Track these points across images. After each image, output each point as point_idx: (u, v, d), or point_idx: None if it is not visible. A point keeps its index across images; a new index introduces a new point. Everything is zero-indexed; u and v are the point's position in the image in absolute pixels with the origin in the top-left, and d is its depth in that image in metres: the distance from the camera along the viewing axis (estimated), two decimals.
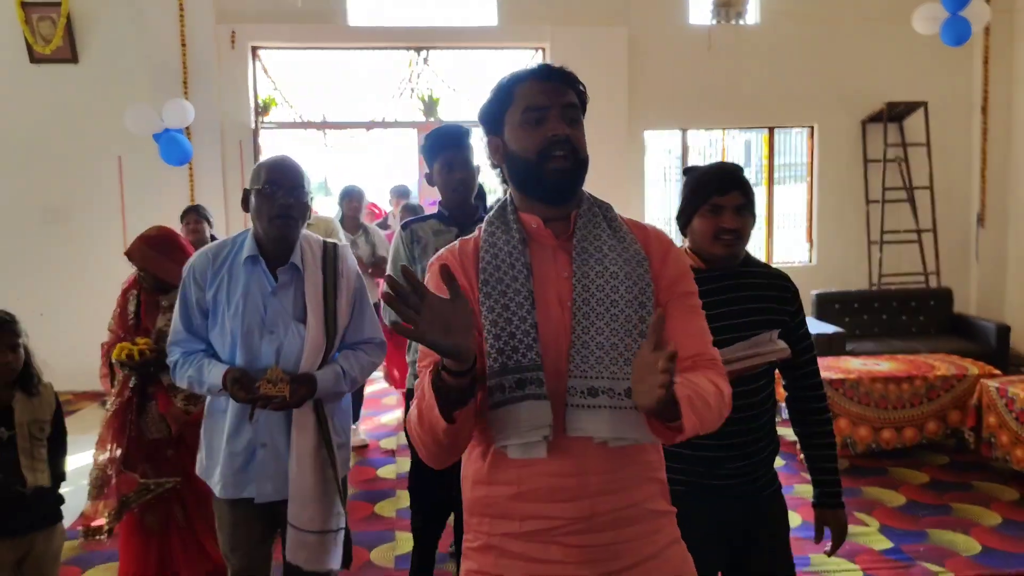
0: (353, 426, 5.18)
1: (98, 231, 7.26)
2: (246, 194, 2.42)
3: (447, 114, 7.84)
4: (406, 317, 1.29)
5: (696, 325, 1.60)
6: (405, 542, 3.89)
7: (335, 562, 2.47)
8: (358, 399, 5.49)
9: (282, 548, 2.45)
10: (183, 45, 7.15)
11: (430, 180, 3.07)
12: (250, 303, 2.38)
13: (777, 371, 2.24)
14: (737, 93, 7.81)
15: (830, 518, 2.26)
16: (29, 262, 7.26)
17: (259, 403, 2.30)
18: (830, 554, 2.32)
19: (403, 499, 4.55)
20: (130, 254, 3.12)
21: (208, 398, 2.50)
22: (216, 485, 2.45)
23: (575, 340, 1.50)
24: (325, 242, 2.52)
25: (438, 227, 3.06)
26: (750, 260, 2.23)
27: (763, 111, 7.97)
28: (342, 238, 4.88)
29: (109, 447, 3.07)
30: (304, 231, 2.49)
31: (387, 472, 5.07)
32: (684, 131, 8.06)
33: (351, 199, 5.70)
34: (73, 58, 7.22)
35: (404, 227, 3.13)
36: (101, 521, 3.05)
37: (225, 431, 2.42)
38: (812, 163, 8.14)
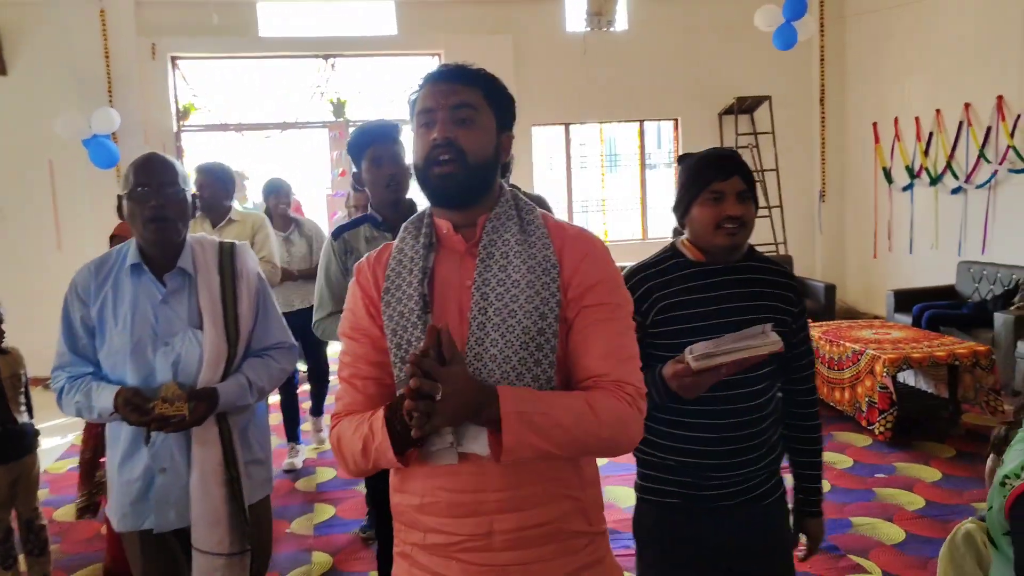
0: (297, 445, 5.14)
1: (33, 229, 7.83)
2: (119, 200, 2.23)
3: (354, 114, 8.67)
4: (426, 412, 1.26)
5: (602, 342, 1.42)
6: (322, 511, 4.24)
7: None
8: (293, 414, 5.18)
9: None
10: (107, 57, 7.77)
11: (359, 180, 2.80)
12: (139, 314, 2.18)
13: None
14: (610, 91, 8.85)
15: (810, 526, 2.16)
16: None
17: (155, 425, 2.08)
18: (804, 559, 2.20)
19: (321, 474, 4.79)
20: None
21: (106, 425, 2.30)
22: (114, 517, 2.27)
23: (468, 351, 1.40)
24: (221, 242, 2.33)
25: (370, 234, 2.80)
26: (753, 254, 2.05)
27: (634, 106, 9.05)
28: (271, 235, 4.59)
29: (87, 440, 3.15)
30: (198, 234, 2.35)
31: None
32: (567, 125, 9.08)
33: (278, 194, 5.17)
34: (2, 70, 7.78)
35: (335, 235, 2.84)
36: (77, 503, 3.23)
37: (118, 458, 2.22)
38: (677, 150, 9.28)
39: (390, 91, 8.78)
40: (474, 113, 1.46)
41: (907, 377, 5.55)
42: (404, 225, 1.57)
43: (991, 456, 1.74)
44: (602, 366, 1.41)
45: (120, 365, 2.16)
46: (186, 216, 2.23)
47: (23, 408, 3.42)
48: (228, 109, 8.57)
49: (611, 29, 8.54)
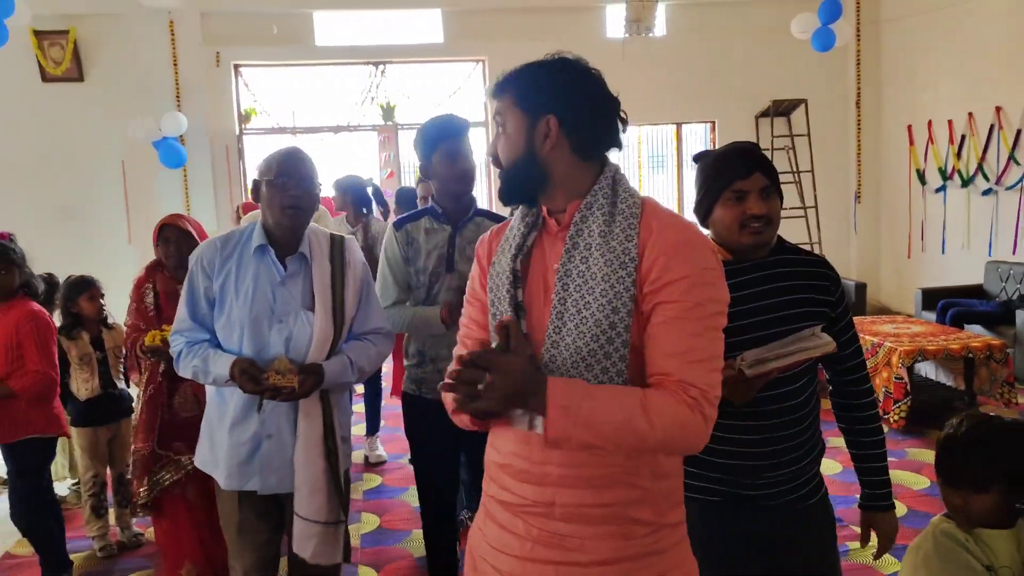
0: (372, 437, 5.21)
1: (106, 224, 8.43)
2: (256, 184, 2.40)
3: (402, 118, 9.12)
4: (470, 396, 1.35)
5: (672, 340, 1.41)
6: (368, 521, 4.19)
7: (339, 555, 2.44)
8: (375, 411, 5.25)
9: (288, 542, 2.43)
10: (175, 65, 8.34)
11: (426, 172, 2.83)
12: (259, 292, 2.35)
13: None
14: (649, 95, 9.15)
15: (879, 521, 2.09)
16: (45, 254, 8.34)
17: (267, 394, 2.26)
18: (876, 557, 2.16)
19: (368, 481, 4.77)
20: (174, 223, 3.23)
21: (210, 389, 2.50)
22: (220, 476, 2.43)
23: (547, 339, 1.46)
24: (332, 234, 2.51)
25: (430, 225, 2.84)
26: (783, 247, 1.99)
27: (671, 109, 9.35)
28: (331, 226, 4.65)
29: (144, 432, 3.18)
30: (312, 224, 2.50)
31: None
32: None
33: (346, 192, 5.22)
34: (80, 77, 8.37)
35: (397, 226, 2.91)
36: (139, 499, 3.21)
37: (229, 422, 2.38)
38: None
39: (436, 95, 9.21)
40: (503, 120, 1.54)
41: (927, 370, 5.80)
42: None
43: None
44: (667, 365, 1.40)
45: (236, 336, 2.33)
46: (315, 208, 2.42)
47: (121, 376, 3.91)
48: (285, 113, 9.08)
49: (650, 35, 8.77)
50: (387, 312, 2.86)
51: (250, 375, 2.22)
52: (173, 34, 8.31)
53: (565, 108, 1.51)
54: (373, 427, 5.22)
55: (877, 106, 9.32)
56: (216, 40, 8.56)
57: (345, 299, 2.41)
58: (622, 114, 1.58)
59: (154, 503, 3.19)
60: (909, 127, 8.75)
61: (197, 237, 3.21)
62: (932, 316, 7.02)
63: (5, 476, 4.76)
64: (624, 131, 1.59)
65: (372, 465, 5.08)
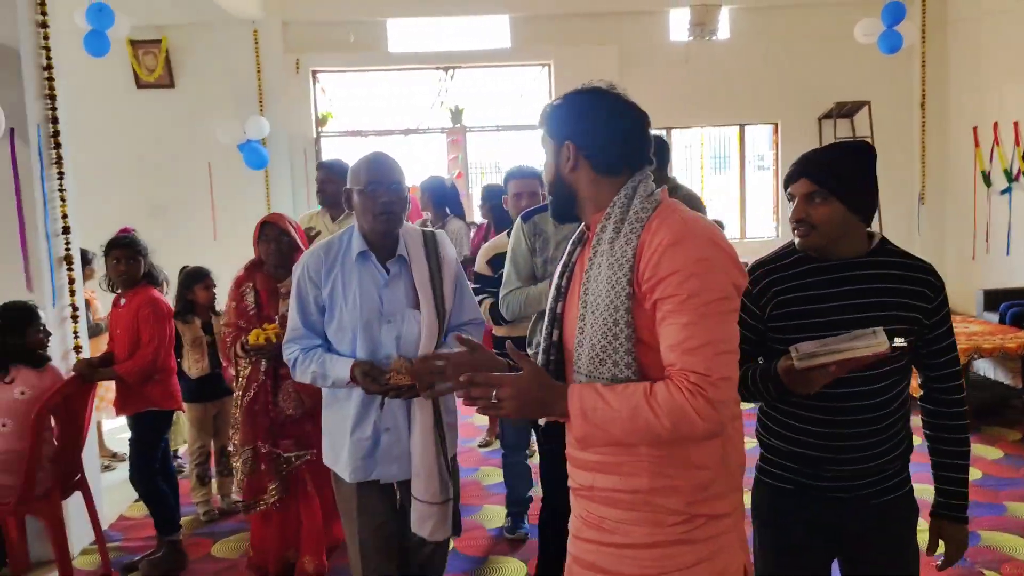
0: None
1: (192, 222, 8.95)
2: (348, 193, 2.50)
3: (470, 121, 9.46)
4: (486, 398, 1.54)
5: (671, 333, 1.49)
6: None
7: (450, 530, 2.59)
8: None
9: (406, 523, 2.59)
10: (258, 72, 8.82)
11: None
12: (366, 296, 2.46)
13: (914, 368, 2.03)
14: (712, 96, 9.32)
15: (951, 532, 2.04)
16: None
17: (391, 393, 2.39)
18: (941, 568, 2.09)
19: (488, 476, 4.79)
20: (276, 222, 3.35)
21: (325, 392, 2.62)
22: (345, 471, 2.55)
23: (575, 343, 1.61)
24: (423, 231, 2.60)
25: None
26: (883, 248, 1.98)
27: (734, 111, 9.49)
28: None
29: (250, 432, 3.31)
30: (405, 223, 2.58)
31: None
32: (668, 130, 9.61)
33: (428, 193, 5.62)
34: (171, 84, 8.95)
35: (525, 218, 3.04)
36: (268, 496, 3.36)
37: (351, 420, 2.51)
38: (777, 153, 9.67)
39: (503, 99, 9.53)
40: (544, 150, 1.73)
41: (986, 369, 5.88)
42: None
43: None
44: (670, 356, 1.49)
45: (349, 339, 2.46)
46: (406, 210, 2.52)
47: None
48: (359, 117, 9.51)
49: (713, 38, 8.93)
50: (508, 298, 3.05)
51: (372, 376, 2.36)
52: (257, 42, 8.79)
53: (581, 134, 1.66)
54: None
55: (943, 108, 9.30)
56: (296, 48, 9.03)
57: (444, 294, 2.52)
58: (648, 130, 1.71)
59: (275, 501, 3.33)
60: (975, 129, 8.73)
61: (296, 237, 3.37)
62: (994, 317, 7.05)
63: (116, 450, 5.27)
64: (651, 146, 1.72)
65: None
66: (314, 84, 9.29)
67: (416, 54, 9.28)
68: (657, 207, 1.60)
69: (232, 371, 3.49)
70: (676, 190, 3.56)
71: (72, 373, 3.65)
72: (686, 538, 1.56)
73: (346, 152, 9.57)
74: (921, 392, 2.07)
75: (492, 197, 5.24)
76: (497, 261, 3.55)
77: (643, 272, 1.52)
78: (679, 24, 9.22)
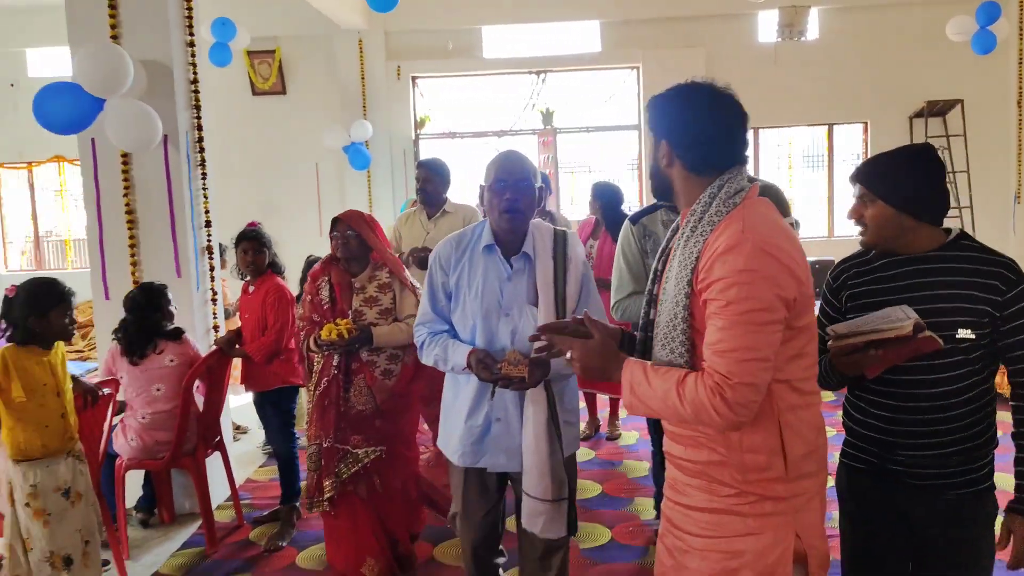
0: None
1: (300, 219, 9.59)
2: (482, 190, 2.57)
3: (560, 122, 9.83)
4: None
5: (710, 332, 1.65)
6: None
7: (564, 529, 2.55)
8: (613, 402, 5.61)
9: (516, 517, 2.64)
10: (362, 79, 9.41)
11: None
12: (488, 288, 2.52)
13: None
14: (800, 97, 9.42)
15: (1017, 524, 2.02)
16: None
17: (500, 383, 2.42)
18: (1010, 567, 2.07)
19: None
20: (346, 219, 3.36)
21: (448, 376, 2.70)
22: (454, 455, 2.64)
23: (656, 318, 1.82)
24: (555, 230, 2.62)
25: (667, 217, 3.03)
26: (955, 244, 2.05)
27: (823, 110, 9.56)
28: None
29: (320, 426, 3.29)
30: (534, 220, 2.60)
31: None
32: (756, 130, 9.75)
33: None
34: (283, 90, 9.65)
35: (634, 221, 3.09)
36: (324, 492, 3.29)
37: (466, 406, 2.58)
38: (867, 153, 9.68)
39: (592, 101, 9.86)
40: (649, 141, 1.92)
41: None
42: None
43: None
44: (705, 352, 1.66)
45: (469, 327, 2.55)
46: (533, 207, 2.56)
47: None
48: (455, 119, 10.00)
49: (802, 39, 9.04)
50: (622, 304, 3.09)
51: (485, 365, 2.43)
52: (362, 51, 9.37)
53: (675, 135, 1.80)
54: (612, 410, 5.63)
55: None
56: (397, 55, 9.58)
57: (567, 294, 2.53)
58: (742, 130, 1.82)
59: (329, 499, 3.28)
60: None
61: (369, 234, 3.36)
62: None
63: (240, 423, 5.84)
64: (746, 145, 1.84)
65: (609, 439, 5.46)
66: (413, 89, 9.83)
67: (509, 59, 9.71)
68: (734, 209, 1.72)
69: (303, 368, 3.51)
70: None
71: (214, 347, 4.19)
72: (736, 510, 1.73)
73: (443, 152, 10.09)
74: (1011, 388, 2.06)
75: (603, 195, 5.28)
76: None
77: (700, 272, 1.68)
78: (767, 25, 9.36)
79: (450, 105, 10.02)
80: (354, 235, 3.33)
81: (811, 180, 10.30)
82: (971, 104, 9.12)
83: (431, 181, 4.60)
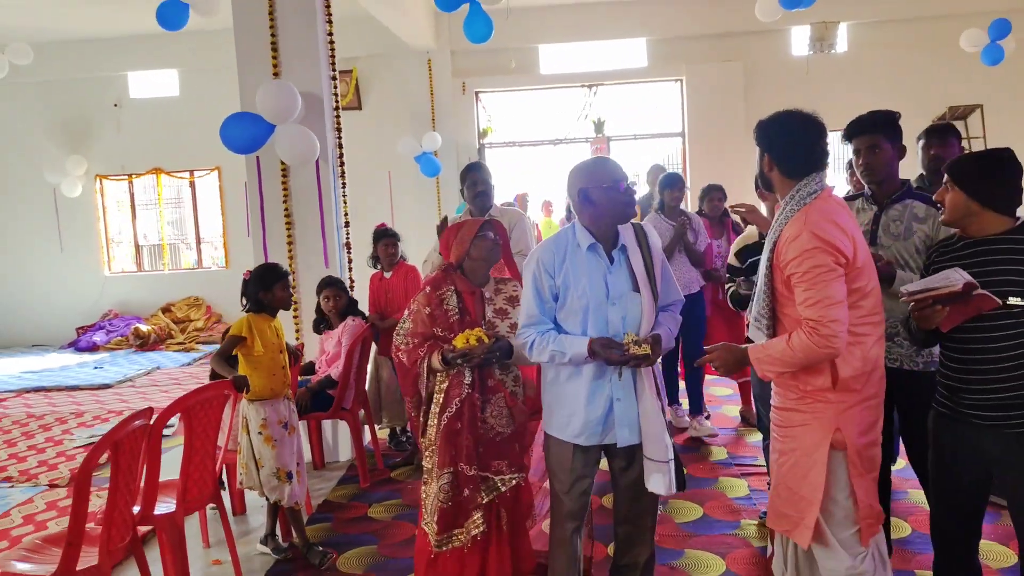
0: (700, 416, 5.51)
1: (374, 223, 10.52)
2: (584, 192, 2.73)
3: (611, 131, 10.76)
4: None
5: (800, 296, 2.33)
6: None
7: (674, 486, 2.75)
8: (697, 390, 5.58)
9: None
10: (431, 94, 10.39)
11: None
12: (594, 282, 2.73)
13: None
14: (831, 105, 10.16)
15: None
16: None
17: (632, 363, 2.64)
18: None
19: None
20: (495, 225, 3.17)
21: (548, 371, 2.87)
22: (579, 437, 2.80)
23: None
24: (634, 224, 2.82)
25: (862, 206, 3.19)
26: (1019, 229, 2.39)
27: (852, 117, 10.34)
28: (528, 230, 4.86)
29: (450, 451, 3.01)
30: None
31: None
32: None
33: (672, 188, 5.46)
34: (359, 106, 10.65)
35: None
36: (471, 526, 3.01)
37: (584, 393, 2.77)
38: None
39: (640, 111, 10.78)
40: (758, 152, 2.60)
41: None
42: None
43: None
44: (800, 310, 2.34)
45: (579, 321, 2.74)
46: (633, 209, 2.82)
47: None
48: (515, 129, 10.98)
49: (832, 52, 9.89)
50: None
51: (612, 347, 2.65)
52: (430, 69, 10.35)
53: (773, 148, 2.52)
54: (697, 407, 5.56)
55: None
56: (462, 72, 10.57)
57: (656, 279, 2.80)
58: (820, 142, 2.49)
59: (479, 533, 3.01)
60: None
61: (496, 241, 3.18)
62: None
63: None
64: (825, 155, 2.47)
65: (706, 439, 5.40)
66: (477, 103, 10.83)
67: (564, 74, 10.69)
68: (802, 207, 2.39)
69: (420, 388, 3.13)
70: None
71: (366, 324, 5.17)
72: (796, 408, 2.49)
73: (504, 160, 11.07)
74: None
75: (709, 194, 5.77)
76: (746, 253, 3.85)
77: (779, 255, 2.40)
78: (800, 40, 10.23)
79: (510, 117, 11.02)
80: (500, 243, 3.19)
81: (840, 182, 11.09)
82: (990, 109, 9.92)
83: (486, 184, 4.66)
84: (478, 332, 2.95)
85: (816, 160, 2.48)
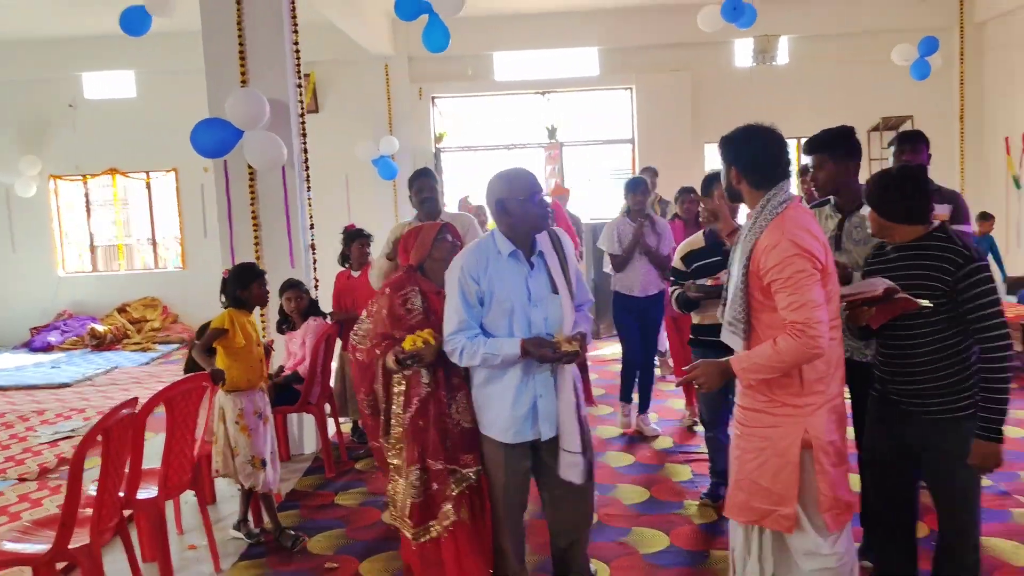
0: (643, 415, 5.69)
1: (332, 229, 10.75)
2: (502, 202, 2.89)
3: (564, 137, 11.10)
4: None
5: (781, 301, 2.45)
6: (602, 571, 3.81)
7: (589, 476, 3.01)
8: (647, 388, 5.73)
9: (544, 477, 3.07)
10: (388, 99, 10.62)
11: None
12: (517, 286, 2.88)
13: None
14: (772, 114, 10.64)
15: (975, 446, 2.58)
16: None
17: (565, 360, 2.82)
18: (972, 464, 2.62)
19: None
20: (450, 228, 3.25)
21: (478, 373, 2.97)
22: (506, 434, 2.95)
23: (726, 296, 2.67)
24: (548, 231, 2.99)
25: (828, 212, 3.46)
26: (929, 236, 2.65)
27: (792, 126, 10.81)
28: (480, 235, 4.19)
29: (417, 448, 3.05)
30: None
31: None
32: None
33: (635, 192, 5.49)
34: (316, 109, 10.81)
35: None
36: (442, 519, 3.03)
37: (511, 392, 2.91)
38: None
39: (592, 118, 11.15)
40: (722, 165, 2.72)
41: None
42: None
43: None
44: (783, 315, 2.44)
45: (505, 323, 2.89)
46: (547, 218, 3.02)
47: None
48: (470, 134, 11.25)
49: (774, 63, 10.43)
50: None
51: (543, 345, 2.82)
52: (388, 75, 10.59)
53: (739, 161, 2.64)
54: (645, 406, 5.72)
55: (979, 120, 10.56)
56: (419, 78, 10.82)
57: (571, 281, 3.00)
58: (783, 153, 2.59)
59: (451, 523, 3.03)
60: (1007, 139, 9.99)
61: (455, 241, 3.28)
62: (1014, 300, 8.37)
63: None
64: (788, 164, 2.58)
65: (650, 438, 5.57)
66: (433, 108, 11.07)
67: (518, 81, 11.00)
68: (775, 216, 2.51)
69: (376, 387, 3.19)
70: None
71: (329, 323, 5.40)
72: (765, 410, 2.61)
73: (459, 164, 11.34)
74: None
75: (683, 196, 5.86)
76: (691, 258, 4.24)
77: (756, 262, 2.50)
78: (744, 52, 10.69)
79: (466, 122, 11.30)
80: (458, 245, 3.25)
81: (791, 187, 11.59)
82: (919, 119, 10.48)
83: (433, 190, 4.70)
84: (426, 334, 2.98)
85: (782, 171, 2.62)
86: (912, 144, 4.06)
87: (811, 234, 2.51)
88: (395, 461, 3.16)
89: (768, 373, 2.53)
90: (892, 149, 4.09)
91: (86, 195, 11.55)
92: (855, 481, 2.89)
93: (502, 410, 2.94)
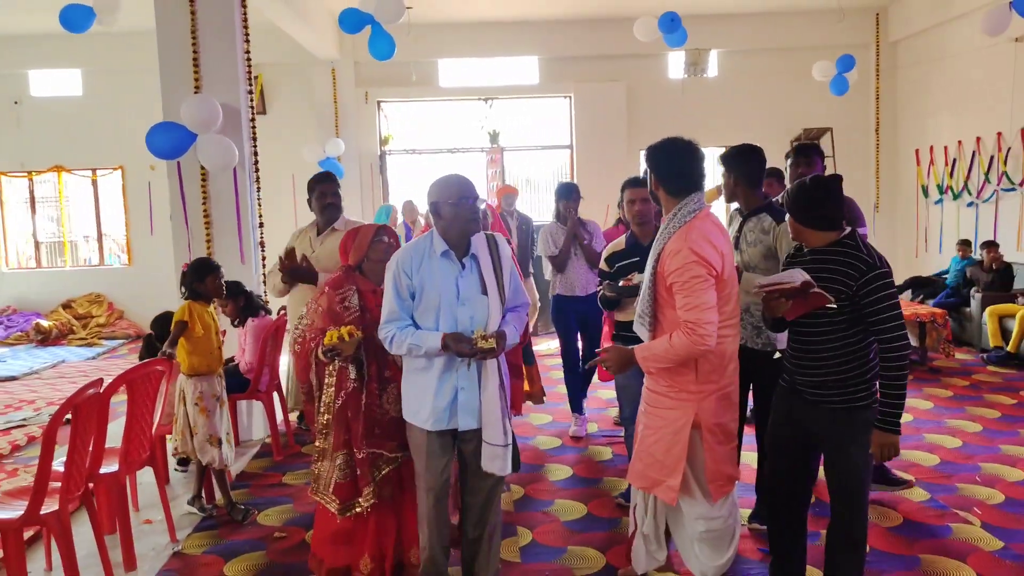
0: (583, 416, 5.81)
1: (279, 228, 11.00)
2: (436, 206, 3.02)
3: (505, 142, 11.53)
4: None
5: (679, 302, 2.75)
6: (524, 535, 4.07)
7: (509, 467, 3.06)
8: (583, 391, 5.91)
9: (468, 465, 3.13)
10: (335, 102, 10.91)
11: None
12: (447, 284, 2.99)
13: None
14: (702, 123, 11.28)
15: (873, 435, 2.79)
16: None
17: (479, 355, 2.91)
18: (874, 454, 2.82)
19: (516, 493, 4.65)
20: (388, 230, 3.44)
21: (409, 361, 3.08)
22: (427, 423, 3.05)
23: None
24: (486, 234, 3.12)
25: (733, 215, 3.85)
26: (839, 242, 2.83)
27: (720, 135, 11.47)
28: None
29: (343, 436, 3.28)
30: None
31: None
32: None
33: (568, 199, 5.71)
34: (264, 111, 11.05)
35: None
36: (364, 500, 3.25)
37: (433, 383, 3.02)
38: None
39: (533, 124, 11.60)
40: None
41: None
42: None
43: None
44: (679, 314, 2.75)
45: (433, 318, 3.00)
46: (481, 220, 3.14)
47: None
48: (415, 138, 11.61)
49: (704, 75, 11.09)
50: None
51: (461, 341, 2.92)
52: (334, 79, 10.89)
53: (658, 171, 2.91)
54: (579, 406, 5.81)
55: (893, 134, 11.32)
56: (365, 83, 11.14)
57: (504, 284, 3.10)
58: (698, 165, 2.88)
59: (370, 505, 3.27)
60: (917, 151, 10.74)
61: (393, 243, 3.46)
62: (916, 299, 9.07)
63: None
64: (702, 176, 2.89)
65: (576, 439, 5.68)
66: (379, 112, 11.40)
67: (462, 87, 11.39)
68: (683, 224, 2.81)
69: (311, 377, 3.38)
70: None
71: (272, 318, 5.72)
72: (666, 394, 2.98)
73: (403, 167, 11.68)
74: None
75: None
76: (614, 259, 4.26)
77: (663, 265, 2.80)
78: (676, 64, 11.27)
79: (410, 126, 11.65)
80: (394, 246, 3.42)
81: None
82: (839, 131, 11.20)
83: (336, 196, 4.82)
84: (346, 329, 3.14)
85: (695, 182, 2.89)
86: (807, 157, 4.32)
87: (711, 244, 2.79)
88: (322, 444, 3.37)
89: (663, 363, 2.87)
90: (788, 161, 4.40)
91: (31, 191, 11.58)
92: (748, 458, 3.26)
93: (425, 400, 3.06)
